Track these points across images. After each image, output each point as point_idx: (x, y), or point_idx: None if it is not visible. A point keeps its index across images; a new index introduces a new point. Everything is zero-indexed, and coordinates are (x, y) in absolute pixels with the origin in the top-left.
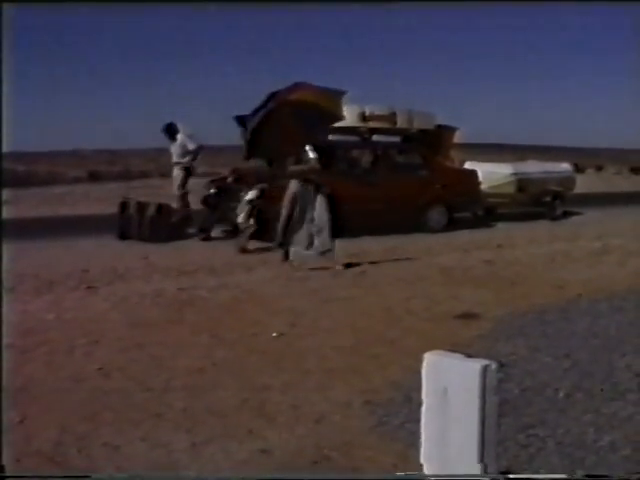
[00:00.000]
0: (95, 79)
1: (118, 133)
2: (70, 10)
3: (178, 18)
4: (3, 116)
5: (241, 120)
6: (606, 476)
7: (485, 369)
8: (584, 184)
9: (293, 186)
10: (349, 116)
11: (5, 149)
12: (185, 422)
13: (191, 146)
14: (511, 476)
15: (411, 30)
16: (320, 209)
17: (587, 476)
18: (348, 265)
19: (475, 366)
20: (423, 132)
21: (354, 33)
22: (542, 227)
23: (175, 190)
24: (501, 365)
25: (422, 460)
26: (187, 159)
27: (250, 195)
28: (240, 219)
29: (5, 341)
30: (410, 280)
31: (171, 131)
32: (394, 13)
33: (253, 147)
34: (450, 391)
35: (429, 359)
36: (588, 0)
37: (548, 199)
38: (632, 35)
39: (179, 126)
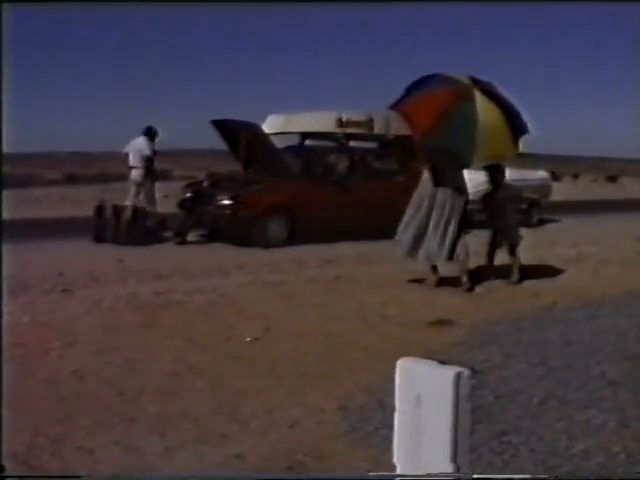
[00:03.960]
0: (73, 82)
1: (95, 136)
2: (52, 13)
3: (157, 20)
4: (3, 118)
5: (218, 125)
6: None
7: (458, 376)
8: (560, 192)
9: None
10: (326, 121)
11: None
12: (159, 426)
13: (146, 151)
14: (476, 476)
15: (389, 34)
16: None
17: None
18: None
19: (448, 373)
20: (400, 138)
21: (336, 37)
22: None
23: (149, 196)
24: (475, 372)
25: (395, 461)
26: (146, 164)
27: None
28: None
29: None
30: (385, 286)
31: (150, 134)
32: (374, 16)
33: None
34: (423, 398)
35: (402, 365)
36: (588, 0)
37: (524, 206)
38: (610, 44)
39: (156, 129)
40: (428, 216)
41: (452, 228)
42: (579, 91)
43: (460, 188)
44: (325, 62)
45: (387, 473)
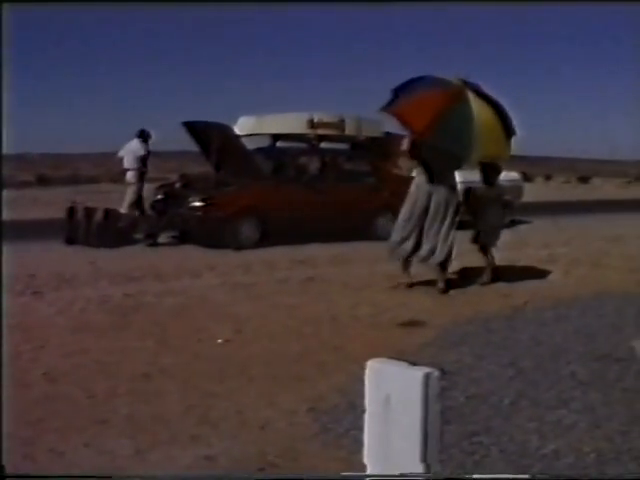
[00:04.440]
0: (42, 83)
1: (66, 137)
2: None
3: (128, 23)
4: (3, 119)
5: (190, 126)
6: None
7: (427, 377)
8: (532, 193)
9: None
10: (297, 123)
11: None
12: (130, 428)
13: (141, 152)
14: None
15: (363, 37)
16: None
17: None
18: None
19: (417, 374)
20: (371, 139)
21: (311, 39)
22: None
23: (131, 197)
24: (444, 373)
25: (365, 461)
26: (139, 165)
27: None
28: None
29: None
30: (357, 287)
31: (144, 136)
32: (349, 19)
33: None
34: (393, 399)
35: (372, 367)
36: (587, 0)
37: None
38: (576, 45)
39: (149, 131)
40: (423, 218)
41: (448, 231)
42: (551, 92)
43: (454, 188)
44: (304, 64)
45: (358, 473)
